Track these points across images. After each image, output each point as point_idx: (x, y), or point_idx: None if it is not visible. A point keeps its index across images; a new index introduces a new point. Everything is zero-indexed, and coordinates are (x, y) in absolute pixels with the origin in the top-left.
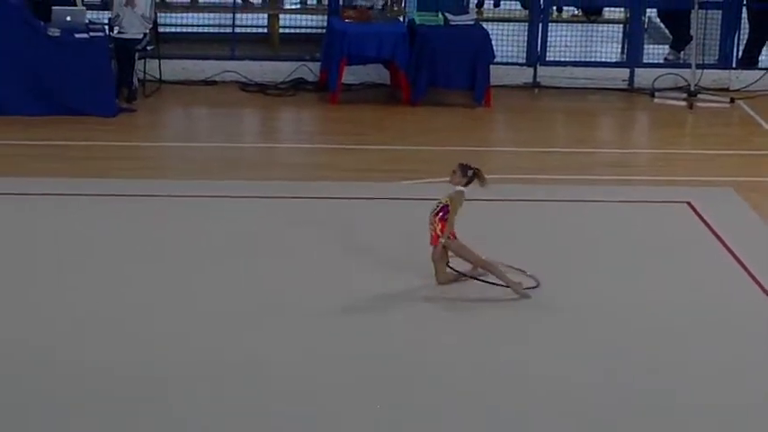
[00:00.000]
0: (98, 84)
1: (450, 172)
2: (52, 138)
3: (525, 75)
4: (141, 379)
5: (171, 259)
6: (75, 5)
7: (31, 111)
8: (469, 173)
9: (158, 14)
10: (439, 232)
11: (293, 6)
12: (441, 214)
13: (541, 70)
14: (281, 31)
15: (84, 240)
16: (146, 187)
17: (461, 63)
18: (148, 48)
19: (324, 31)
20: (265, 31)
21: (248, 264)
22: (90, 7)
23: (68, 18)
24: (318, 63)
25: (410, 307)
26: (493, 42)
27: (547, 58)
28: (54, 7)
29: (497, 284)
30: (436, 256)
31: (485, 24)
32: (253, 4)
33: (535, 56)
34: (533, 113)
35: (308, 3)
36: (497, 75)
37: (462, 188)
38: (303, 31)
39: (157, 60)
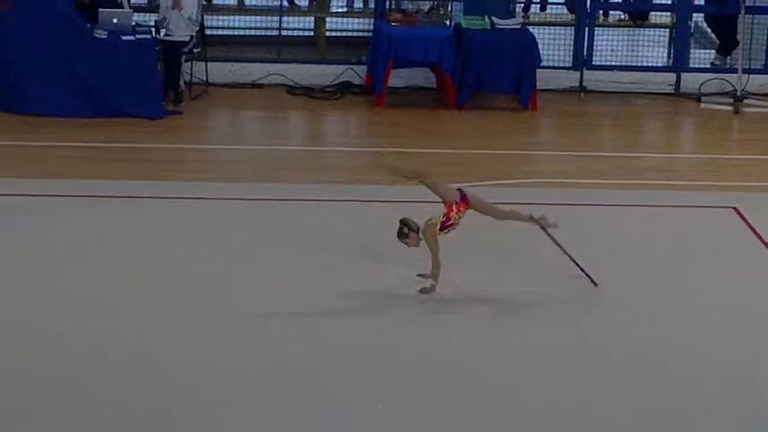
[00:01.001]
0: (145, 86)
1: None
2: (98, 140)
3: (571, 79)
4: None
5: (219, 260)
6: (122, 8)
7: (77, 113)
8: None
9: (205, 17)
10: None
11: (340, 10)
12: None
13: (587, 74)
14: (327, 34)
15: (130, 241)
16: (192, 190)
17: (507, 67)
18: (195, 50)
19: (370, 34)
20: (312, 34)
21: (293, 264)
22: (137, 9)
23: (115, 20)
24: (365, 66)
25: (461, 310)
26: (539, 46)
27: (593, 63)
28: (101, 9)
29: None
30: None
31: (531, 28)
32: (299, 7)
33: (581, 60)
34: (579, 118)
35: (355, 6)
36: (543, 79)
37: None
38: (350, 34)
39: (204, 63)
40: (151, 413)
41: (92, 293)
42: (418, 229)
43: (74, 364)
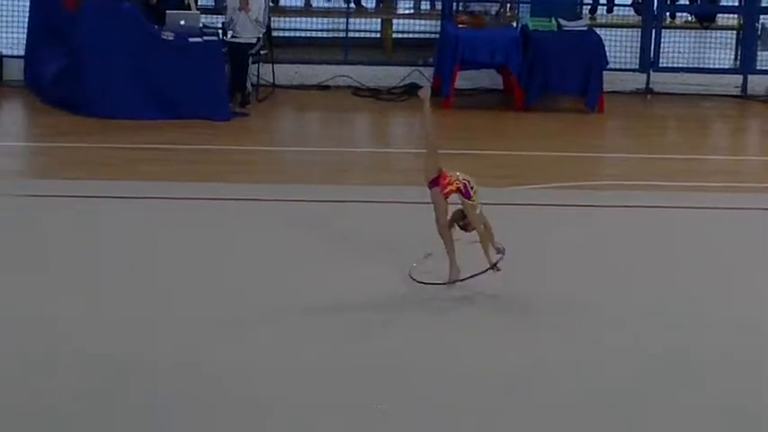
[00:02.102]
0: (211, 88)
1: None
2: (165, 141)
3: (638, 81)
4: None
5: (283, 262)
6: (189, 9)
7: (144, 114)
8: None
9: (272, 19)
10: (445, 185)
11: (406, 11)
12: (462, 190)
13: (654, 76)
14: (394, 35)
15: (197, 242)
16: (259, 191)
17: (574, 69)
18: (262, 52)
19: (437, 36)
20: (378, 35)
21: (356, 266)
22: (204, 11)
23: (182, 22)
24: (431, 68)
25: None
26: (606, 48)
27: (660, 65)
28: (168, 11)
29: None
30: (437, 203)
31: (598, 30)
32: (366, 8)
33: (648, 62)
34: (646, 120)
35: (422, 8)
36: (610, 80)
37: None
38: (416, 35)
39: (271, 65)
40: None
41: (149, 295)
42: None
43: (122, 367)
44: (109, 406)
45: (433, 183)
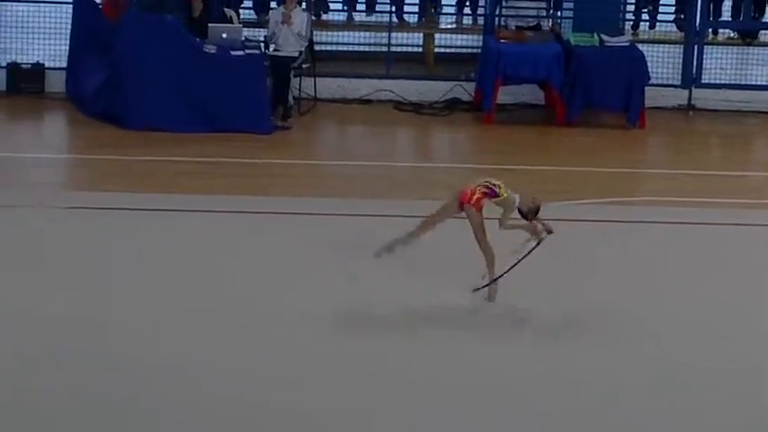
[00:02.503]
0: (253, 101)
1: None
2: (207, 155)
3: (680, 97)
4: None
5: (328, 274)
6: (232, 23)
7: (186, 127)
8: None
9: (314, 32)
10: (470, 195)
11: (448, 26)
12: (488, 192)
13: (696, 92)
14: (436, 50)
15: (237, 256)
16: (301, 205)
17: (616, 84)
18: (304, 66)
19: (479, 50)
20: (420, 50)
21: (392, 281)
22: (246, 25)
23: (224, 35)
24: (473, 83)
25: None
26: (648, 64)
27: (702, 81)
28: (210, 24)
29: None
30: (475, 222)
31: (640, 46)
32: (408, 23)
33: (690, 78)
34: (688, 136)
35: (464, 22)
36: (652, 96)
37: (516, 197)
38: (458, 50)
39: (313, 78)
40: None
41: (191, 308)
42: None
43: (167, 376)
44: (133, 412)
45: (461, 204)
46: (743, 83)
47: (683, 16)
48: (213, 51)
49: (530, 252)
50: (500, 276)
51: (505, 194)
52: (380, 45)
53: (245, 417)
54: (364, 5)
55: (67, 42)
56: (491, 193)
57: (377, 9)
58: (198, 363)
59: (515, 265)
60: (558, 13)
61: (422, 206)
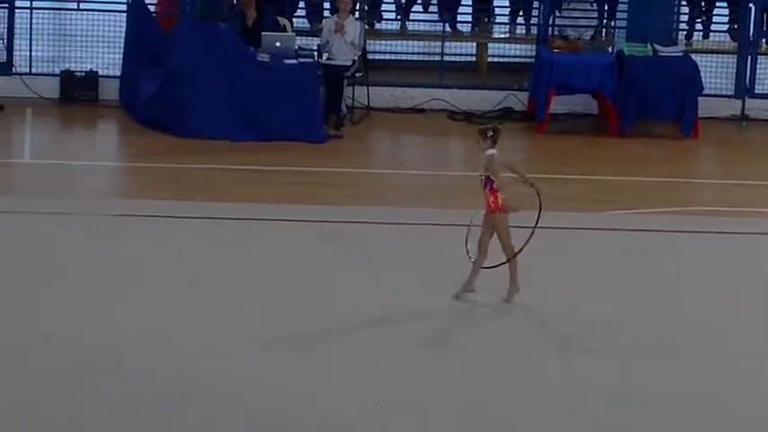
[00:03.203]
0: (306, 110)
1: (475, 141)
2: (259, 163)
3: (733, 107)
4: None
5: (375, 285)
6: (285, 32)
7: (239, 136)
8: (489, 134)
9: (368, 41)
10: (492, 204)
11: (502, 35)
12: (488, 186)
13: (750, 103)
14: (489, 59)
15: (293, 264)
16: (354, 213)
17: (669, 94)
18: (357, 74)
19: (532, 60)
20: (473, 59)
21: (438, 292)
22: (299, 33)
23: (278, 44)
24: (526, 92)
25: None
26: (701, 74)
27: (755, 91)
28: (264, 33)
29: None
30: (501, 227)
31: (693, 56)
32: (461, 32)
33: (743, 88)
34: (741, 146)
35: (517, 32)
36: (705, 106)
37: (492, 151)
38: (511, 60)
39: (366, 87)
40: None
41: (239, 316)
42: (491, 136)
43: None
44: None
45: (491, 214)
46: None
47: (736, 26)
48: (266, 60)
49: (536, 224)
50: (518, 253)
51: (483, 170)
52: (434, 54)
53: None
54: (419, 13)
55: (121, 51)
56: (490, 183)
57: (430, 18)
58: (252, 374)
59: (528, 240)
60: (612, 23)
61: (470, 215)
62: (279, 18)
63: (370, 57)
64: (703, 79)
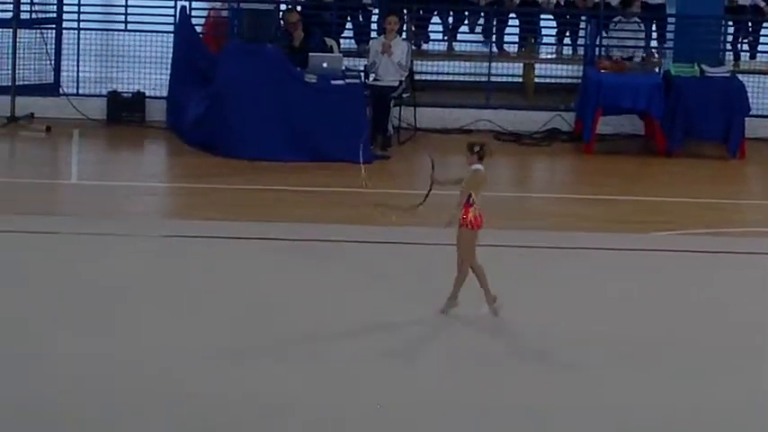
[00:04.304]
0: (353, 130)
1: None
2: (307, 184)
3: None
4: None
5: (409, 304)
6: (332, 52)
7: (286, 156)
8: (476, 149)
9: (414, 62)
10: (462, 217)
11: (548, 56)
12: (464, 201)
13: None
14: (536, 80)
15: (339, 285)
16: (402, 235)
17: (716, 115)
18: (404, 95)
19: (579, 81)
20: (520, 80)
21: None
22: (346, 54)
23: (325, 65)
24: (573, 113)
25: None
26: (748, 94)
27: None
28: (311, 54)
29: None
30: (465, 241)
31: (740, 76)
32: (508, 53)
33: None
34: None
35: (564, 53)
36: (752, 127)
37: (478, 166)
38: (558, 80)
39: (413, 108)
40: None
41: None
42: (477, 152)
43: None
44: None
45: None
46: None
47: None
48: (314, 81)
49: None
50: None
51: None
52: (480, 75)
53: None
54: (465, 34)
55: (168, 72)
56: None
57: (477, 39)
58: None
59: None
60: (659, 44)
61: (516, 236)
62: (326, 39)
63: (416, 77)
64: (750, 100)
